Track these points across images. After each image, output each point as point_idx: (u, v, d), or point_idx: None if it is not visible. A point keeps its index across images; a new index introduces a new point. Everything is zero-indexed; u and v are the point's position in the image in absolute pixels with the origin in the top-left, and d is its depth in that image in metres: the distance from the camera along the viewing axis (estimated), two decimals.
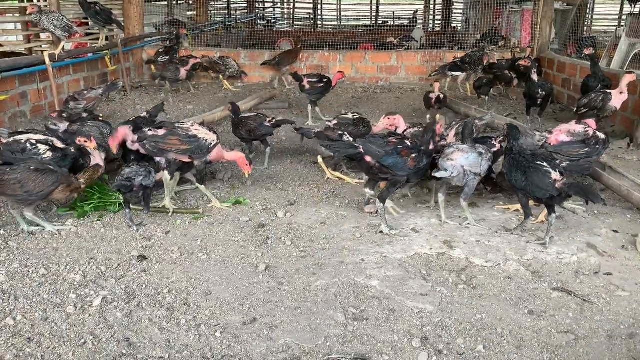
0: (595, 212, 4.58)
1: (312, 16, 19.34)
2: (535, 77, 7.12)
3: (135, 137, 4.37)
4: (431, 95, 7.45)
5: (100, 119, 5.81)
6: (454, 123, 5.29)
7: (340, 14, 20.20)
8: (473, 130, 4.58)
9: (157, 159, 4.44)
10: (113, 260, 3.73)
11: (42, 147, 4.26)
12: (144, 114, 5.48)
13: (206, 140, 4.46)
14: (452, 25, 15.94)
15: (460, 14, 17.03)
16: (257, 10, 19.16)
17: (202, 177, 4.85)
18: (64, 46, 7.69)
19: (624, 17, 12.28)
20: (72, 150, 4.35)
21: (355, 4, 22.56)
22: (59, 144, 4.37)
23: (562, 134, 4.62)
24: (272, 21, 20.28)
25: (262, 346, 2.89)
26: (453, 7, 16.80)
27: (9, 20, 9.08)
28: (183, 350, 2.86)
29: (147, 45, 10.62)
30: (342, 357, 2.81)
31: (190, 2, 15.54)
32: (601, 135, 4.60)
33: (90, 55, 8.75)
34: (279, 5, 22.36)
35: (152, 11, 12.44)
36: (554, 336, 3.01)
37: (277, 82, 10.29)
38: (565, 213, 4.50)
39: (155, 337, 2.96)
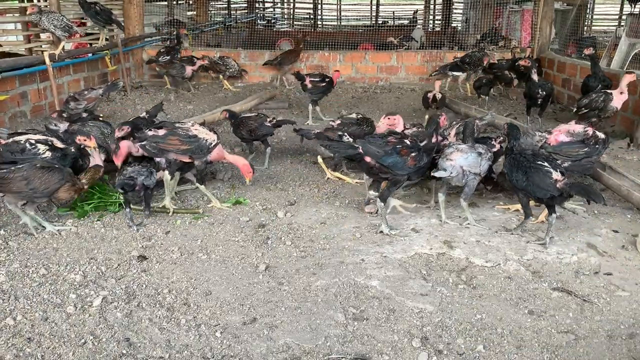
0: (595, 212, 4.58)
1: (312, 16, 19.33)
2: (535, 77, 7.12)
3: (138, 146, 4.37)
4: (429, 94, 7.47)
5: (101, 119, 5.81)
6: (454, 123, 5.29)
7: (340, 14, 20.21)
8: (474, 130, 4.58)
9: (157, 159, 4.44)
10: (113, 260, 3.73)
11: (42, 147, 4.26)
12: (144, 114, 5.48)
13: (206, 140, 4.46)
14: (452, 25, 15.94)
15: (460, 14, 17.04)
16: (257, 10, 19.16)
17: (202, 177, 4.85)
18: (64, 46, 7.69)
19: (624, 17, 12.29)
20: (72, 150, 4.35)
21: (355, 4, 22.56)
22: (59, 144, 4.37)
23: (561, 134, 4.62)
24: (272, 21, 20.28)
25: (262, 346, 2.89)
26: (453, 7, 16.79)
27: (9, 21, 9.08)
28: (183, 350, 2.86)
29: (147, 45, 10.62)
30: (342, 357, 2.82)
31: (190, 2, 15.54)
32: (601, 135, 4.59)
33: (90, 55, 8.75)
34: (279, 5, 22.36)
35: (152, 11, 12.44)
36: (554, 336, 3.01)
37: (277, 82, 10.29)
38: (565, 213, 4.50)
39: (155, 337, 2.96)
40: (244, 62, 10.53)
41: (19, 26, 9.26)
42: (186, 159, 4.46)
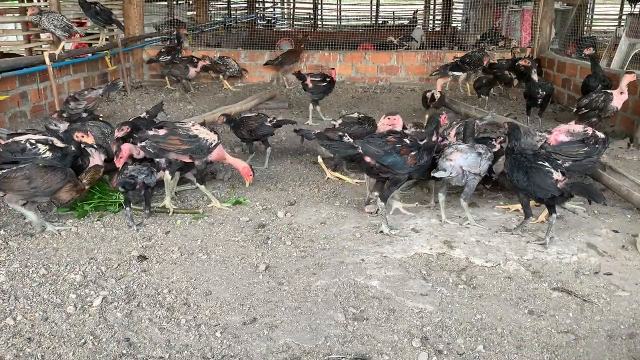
0: (595, 212, 4.58)
1: (312, 16, 19.33)
2: (535, 77, 7.13)
3: (139, 148, 4.37)
4: (427, 94, 7.47)
5: (101, 119, 5.82)
6: (454, 123, 5.29)
7: (340, 14, 20.20)
8: (474, 130, 4.58)
9: (157, 159, 4.44)
10: (113, 260, 3.73)
11: (42, 147, 4.26)
12: (144, 114, 5.48)
13: (207, 140, 4.46)
14: (452, 25, 15.94)
15: (460, 14, 17.03)
16: (257, 10, 19.16)
17: (202, 177, 4.85)
18: (64, 46, 7.70)
19: (624, 17, 12.29)
20: (72, 149, 4.35)
21: (355, 4, 22.56)
22: (59, 143, 4.37)
23: (561, 133, 4.62)
24: (272, 21, 20.28)
25: (262, 346, 2.89)
26: (453, 7, 16.79)
27: (9, 21, 9.08)
28: (183, 350, 2.86)
29: (147, 45, 10.62)
30: (342, 357, 2.82)
31: (190, 2, 15.54)
32: (601, 135, 4.60)
33: (89, 55, 8.75)
34: (279, 5, 22.36)
35: (152, 11, 12.44)
36: (554, 336, 3.01)
37: (276, 82, 10.29)
38: (565, 213, 4.50)
39: (156, 337, 2.96)
40: (244, 62, 10.53)
41: (19, 26, 9.25)
42: (187, 159, 4.46)
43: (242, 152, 6.20)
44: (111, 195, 4.59)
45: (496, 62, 8.96)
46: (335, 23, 19.93)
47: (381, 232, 4.16)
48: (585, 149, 4.49)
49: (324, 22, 19.85)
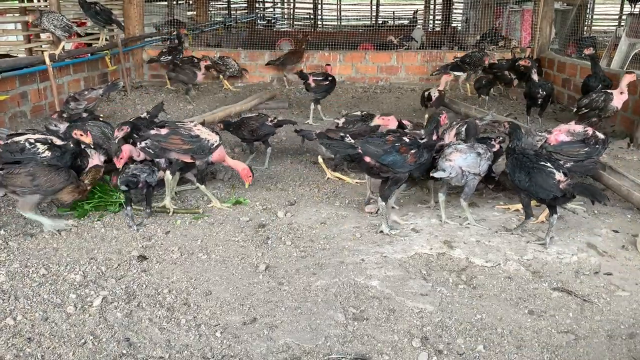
0: (596, 212, 4.58)
1: (312, 16, 19.33)
2: (535, 77, 7.13)
3: (140, 149, 4.37)
4: (425, 93, 7.49)
5: (101, 119, 5.81)
6: (454, 123, 5.29)
7: (340, 14, 20.20)
8: (477, 131, 4.58)
9: (157, 160, 4.44)
10: (113, 260, 3.73)
11: (41, 146, 4.26)
12: (144, 114, 5.48)
13: (208, 140, 4.46)
14: (452, 25, 15.95)
15: (460, 14, 17.03)
16: (257, 10, 19.16)
17: (203, 177, 4.85)
18: (64, 46, 7.69)
19: (624, 17, 12.29)
20: (71, 146, 4.34)
21: (355, 4, 22.56)
22: (58, 142, 4.37)
23: (561, 133, 4.62)
24: (272, 21, 20.28)
25: (262, 346, 2.89)
26: (453, 7, 16.80)
27: (9, 20, 9.08)
28: (183, 350, 2.86)
29: (147, 45, 10.62)
30: (342, 357, 2.82)
31: (190, 2, 15.54)
32: (601, 135, 4.60)
33: (89, 55, 8.75)
34: (279, 5, 22.36)
35: (152, 11, 12.44)
36: (554, 336, 3.01)
37: (276, 82, 10.28)
38: (565, 213, 4.50)
39: (156, 337, 2.96)
40: (244, 62, 10.53)
41: (19, 26, 9.25)
42: (188, 159, 4.46)
43: (242, 152, 6.20)
44: (111, 195, 4.59)
45: (496, 62, 8.96)
46: (335, 23, 19.93)
47: (381, 232, 4.16)
48: (586, 149, 4.49)
49: (324, 22, 19.85)
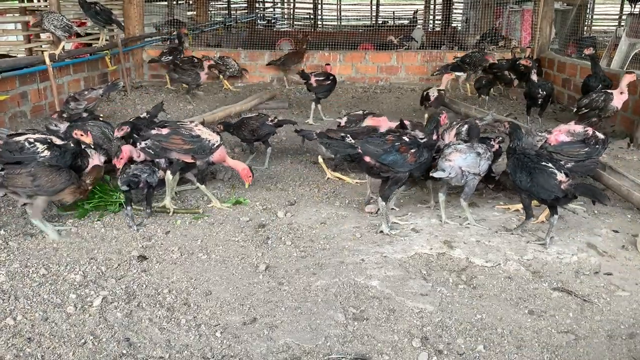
0: (596, 212, 4.58)
1: (312, 16, 19.33)
2: (535, 77, 7.13)
3: (140, 149, 4.37)
4: (424, 93, 7.49)
5: (101, 119, 5.81)
6: (454, 123, 5.29)
7: (340, 14, 20.20)
8: (479, 132, 4.58)
9: (157, 159, 4.44)
10: (113, 260, 3.73)
11: (40, 146, 4.26)
12: (144, 114, 5.48)
13: (209, 140, 4.46)
14: (452, 25, 15.95)
15: (460, 14, 17.03)
16: (257, 10, 19.16)
17: (203, 177, 4.85)
18: (64, 46, 7.69)
19: (624, 17, 12.29)
20: (71, 145, 4.34)
21: (355, 4, 22.56)
22: (57, 141, 4.37)
23: (561, 133, 4.62)
24: (272, 21, 20.28)
25: (262, 346, 2.89)
26: (453, 7, 16.80)
27: (9, 21, 9.08)
28: (183, 350, 2.86)
29: (147, 45, 10.62)
30: (342, 357, 2.82)
31: (190, 2, 15.54)
32: (600, 135, 4.60)
33: (89, 55, 8.75)
34: (279, 5, 22.36)
35: (152, 11, 12.44)
36: (554, 336, 3.01)
37: (276, 82, 10.28)
38: (565, 213, 4.50)
39: (156, 337, 2.96)
40: (244, 62, 10.53)
41: (19, 26, 9.26)
42: (188, 159, 4.46)
43: (242, 152, 6.20)
44: (111, 195, 4.59)
45: (496, 62, 8.96)
46: (335, 23, 19.93)
47: (381, 232, 4.15)
48: (586, 149, 4.49)
49: (324, 22, 19.85)
